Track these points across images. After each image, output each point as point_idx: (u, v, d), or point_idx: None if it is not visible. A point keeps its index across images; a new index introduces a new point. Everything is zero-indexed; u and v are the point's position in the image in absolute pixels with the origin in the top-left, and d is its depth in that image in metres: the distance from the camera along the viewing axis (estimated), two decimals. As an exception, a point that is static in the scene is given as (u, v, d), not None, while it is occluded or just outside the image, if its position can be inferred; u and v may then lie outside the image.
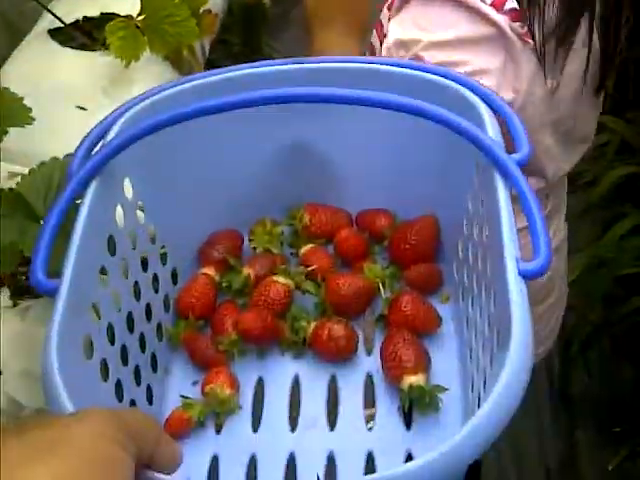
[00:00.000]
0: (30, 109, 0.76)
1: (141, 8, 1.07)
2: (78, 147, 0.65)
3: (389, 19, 0.90)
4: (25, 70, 1.14)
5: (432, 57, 0.84)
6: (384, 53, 0.89)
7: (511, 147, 0.61)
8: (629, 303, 1.78)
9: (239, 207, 0.79)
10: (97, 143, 0.66)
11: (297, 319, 0.73)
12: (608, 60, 0.90)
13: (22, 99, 0.76)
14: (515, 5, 0.82)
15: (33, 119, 0.75)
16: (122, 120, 0.67)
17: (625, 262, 1.76)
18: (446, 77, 0.68)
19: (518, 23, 0.82)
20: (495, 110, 0.64)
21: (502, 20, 0.82)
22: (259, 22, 1.86)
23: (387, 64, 0.70)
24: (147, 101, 0.69)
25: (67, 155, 0.72)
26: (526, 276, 0.53)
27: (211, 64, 1.33)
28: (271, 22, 1.68)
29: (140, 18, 1.07)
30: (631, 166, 1.94)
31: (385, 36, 0.90)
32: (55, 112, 1.03)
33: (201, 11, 1.15)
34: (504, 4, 0.82)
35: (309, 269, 0.77)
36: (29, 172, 0.74)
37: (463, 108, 0.64)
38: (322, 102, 0.61)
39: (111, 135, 0.65)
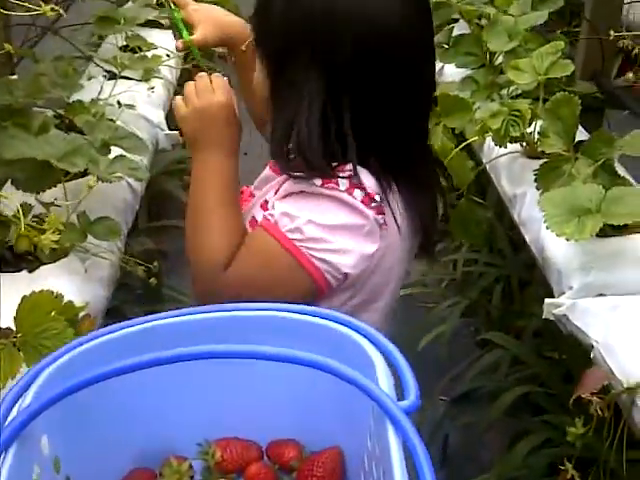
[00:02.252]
0: None
1: (16, 326, 1.08)
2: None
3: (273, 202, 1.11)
4: None
5: (309, 231, 1.06)
6: (268, 221, 1.09)
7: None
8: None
9: (153, 446, 0.83)
10: (12, 408, 0.68)
11: None
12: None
13: None
14: (377, 203, 1.07)
15: None
16: (37, 383, 0.70)
17: (533, 480, 1.77)
18: (341, 323, 0.77)
19: (380, 215, 1.08)
20: (386, 356, 0.72)
21: (370, 214, 1.07)
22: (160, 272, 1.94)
23: (286, 311, 0.79)
24: (60, 361, 0.73)
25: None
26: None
27: (115, 310, 1.35)
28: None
29: (18, 336, 1.07)
30: (526, 385, 2.00)
31: (271, 208, 1.11)
32: None
33: (80, 316, 1.19)
34: (372, 201, 1.07)
35: (221, 509, 0.79)
36: None
37: (356, 354, 0.72)
38: (226, 358, 0.68)
39: (27, 399, 0.68)
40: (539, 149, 1.55)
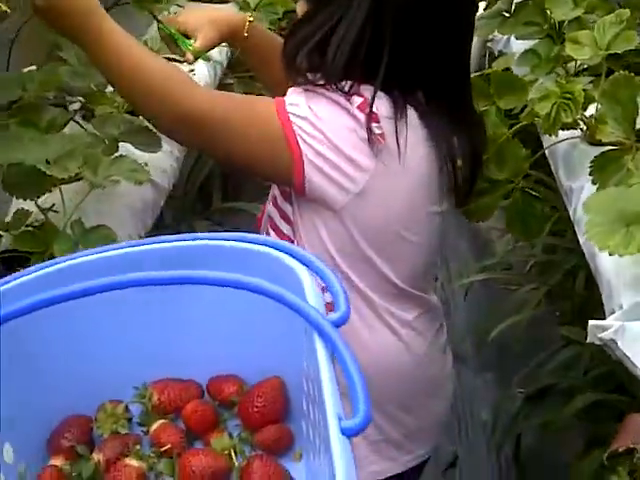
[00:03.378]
0: None
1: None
2: None
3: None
4: None
5: (306, 112, 1.08)
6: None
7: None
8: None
9: (87, 392, 0.82)
10: None
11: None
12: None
13: None
14: (374, 110, 1.08)
15: None
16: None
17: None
18: (269, 246, 0.76)
19: (375, 124, 1.08)
20: (315, 272, 0.71)
21: (363, 118, 1.08)
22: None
23: (215, 239, 0.77)
24: None
25: None
26: (348, 434, 0.57)
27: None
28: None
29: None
30: (601, 389, 1.89)
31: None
32: None
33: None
34: (366, 108, 1.08)
35: (162, 449, 0.78)
36: None
37: (284, 274, 0.71)
38: (145, 285, 0.67)
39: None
40: (597, 137, 1.35)
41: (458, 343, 2.57)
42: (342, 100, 1.10)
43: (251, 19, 1.33)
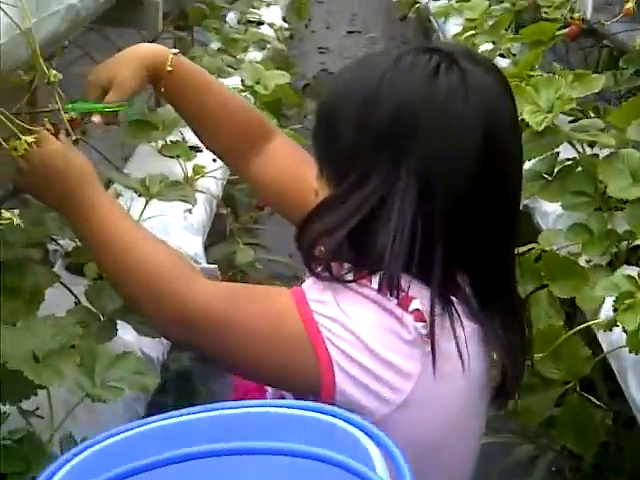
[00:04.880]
0: None
1: None
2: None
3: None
4: None
5: (334, 311, 0.92)
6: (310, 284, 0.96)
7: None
8: None
9: None
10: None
11: None
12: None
13: None
14: (418, 306, 0.92)
15: None
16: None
17: None
18: (338, 417, 0.73)
19: (421, 324, 0.92)
20: (380, 446, 0.70)
21: (407, 319, 0.92)
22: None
23: (283, 406, 0.75)
24: (71, 464, 0.70)
25: None
26: None
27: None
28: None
29: None
30: None
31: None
32: None
33: None
34: (409, 305, 0.92)
35: None
36: None
37: (352, 446, 0.70)
38: (229, 455, 0.69)
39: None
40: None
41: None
42: (378, 296, 0.93)
43: (175, 51, 1.14)
